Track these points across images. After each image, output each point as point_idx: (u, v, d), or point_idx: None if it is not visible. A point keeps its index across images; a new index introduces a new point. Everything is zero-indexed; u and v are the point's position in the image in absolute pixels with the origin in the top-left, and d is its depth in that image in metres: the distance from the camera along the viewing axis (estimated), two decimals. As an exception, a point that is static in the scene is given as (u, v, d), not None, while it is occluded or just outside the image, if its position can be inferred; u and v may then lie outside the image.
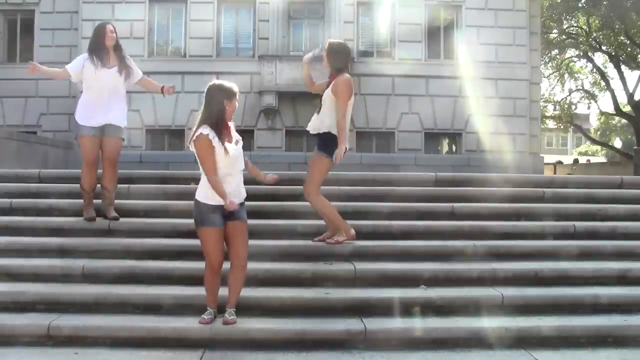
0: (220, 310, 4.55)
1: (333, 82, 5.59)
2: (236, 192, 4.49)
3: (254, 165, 4.82)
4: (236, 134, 4.60)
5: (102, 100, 5.96)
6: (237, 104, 4.50)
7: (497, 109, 14.25)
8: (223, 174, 4.39)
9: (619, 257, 5.83)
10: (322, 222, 5.93)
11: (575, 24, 25.32)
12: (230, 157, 4.40)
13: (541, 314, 4.81)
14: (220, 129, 4.40)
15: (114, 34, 6.00)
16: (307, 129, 5.77)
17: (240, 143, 4.59)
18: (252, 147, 14.46)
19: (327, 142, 5.59)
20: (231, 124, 4.57)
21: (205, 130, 4.37)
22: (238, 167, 4.52)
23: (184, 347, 4.32)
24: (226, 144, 4.41)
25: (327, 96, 5.60)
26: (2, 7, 15.47)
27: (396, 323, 4.63)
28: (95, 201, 6.22)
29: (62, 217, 6.32)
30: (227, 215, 4.42)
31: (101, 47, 5.95)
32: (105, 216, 6.09)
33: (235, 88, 4.51)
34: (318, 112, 5.66)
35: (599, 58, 26.95)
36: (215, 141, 4.35)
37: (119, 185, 6.32)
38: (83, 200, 6.13)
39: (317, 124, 5.67)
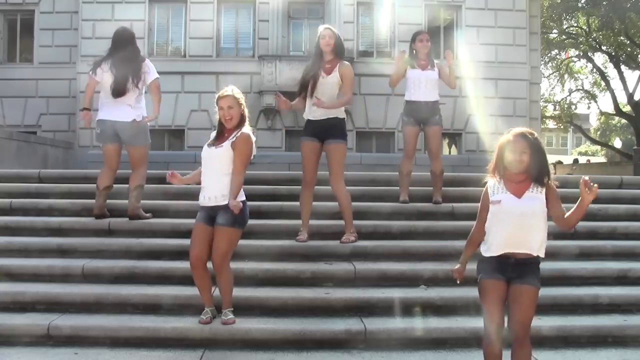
0: (220, 310, 4.54)
1: (338, 69, 5.76)
2: (207, 192, 4.47)
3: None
4: (237, 136, 4.48)
5: None
6: (229, 110, 4.45)
7: (497, 109, 14.24)
8: (203, 172, 4.60)
9: (619, 257, 5.83)
10: (322, 222, 5.93)
11: (575, 24, 25.34)
12: (203, 156, 4.57)
13: (541, 313, 4.79)
14: (219, 132, 4.60)
15: None
16: (315, 118, 5.78)
17: (224, 145, 4.47)
18: (252, 147, 14.45)
19: (342, 128, 5.86)
20: (248, 130, 4.53)
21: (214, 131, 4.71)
22: (213, 168, 4.47)
23: (184, 347, 4.32)
24: (207, 144, 4.60)
25: (333, 82, 5.76)
26: (2, 7, 15.47)
27: (396, 323, 4.63)
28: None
29: (62, 217, 6.32)
30: (213, 217, 4.46)
31: None
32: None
33: (224, 92, 4.52)
34: (314, 97, 5.69)
35: (599, 58, 27.00)
36: (207, 142, 4.64)
37: (120, 185, 6.32)
38: (138, 200, 6.21)
39: (329, 110, 5.77)
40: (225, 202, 4.40)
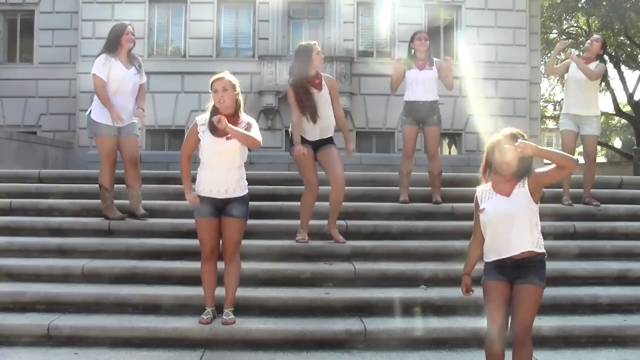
0: (220, 311, 4.54)
1: (325, 84, 5.72)
2: (216, 185, 4.41)
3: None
4: (240, 128, 4.40)
5: (126, 101, 6.07)
6: (223, 92, 4.36)
7: (497, 109, 14.23)
8: (205, 163, 4.47)
9: (619, 257, 5.83)
10: (321, 222, 5.92)
11: (575, 24, 25.34)
12: (210, 150, 4.41)
13: (541, 313, 4.78)
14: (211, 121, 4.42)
15: (133, 36, 6.14)
16: (316, 138, 5.70)
17: (235, 140, 4.38)
18: (252, 147, 14.46)
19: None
20: (246, 117, 4.49)
21: (200, 117, 4.53)
22: (222, 163, 4.40)
23: (184, 347, 4.32)
24: (211, 137, 4.38)
25: (325, 98, 5.71)
26: (2, 7, 15.49)
27: (396, 323, 4.63)
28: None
29: (62, 217, 6.32)
30: (220, 208, 4.44)
31: (120, 48, 6.04)
32: (134, 214, 6.15)
33: (218, 75, 4.44)
34: (314, 120, 5.63)
35: (599, 58, 26.90)
36: (203, 128, 4.45)
37: (120, 186, 6.31)
38: (104, 201, 6.09)
39: (328, 127, 5.75)
40: (241, 194, 4.48)
